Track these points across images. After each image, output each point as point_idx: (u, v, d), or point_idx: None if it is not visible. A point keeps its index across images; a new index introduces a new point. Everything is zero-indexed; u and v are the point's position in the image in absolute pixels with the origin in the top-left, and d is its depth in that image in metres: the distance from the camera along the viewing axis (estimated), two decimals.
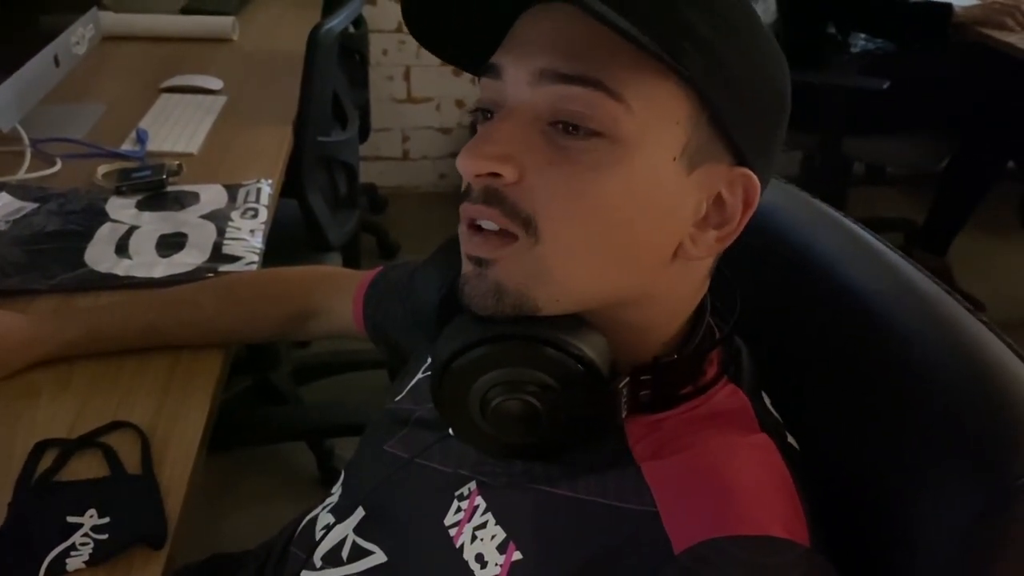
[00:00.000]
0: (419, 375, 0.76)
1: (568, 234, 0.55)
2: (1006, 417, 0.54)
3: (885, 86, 2.21)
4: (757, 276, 0.63)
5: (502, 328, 0.57)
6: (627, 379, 0.58)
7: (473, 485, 0.63)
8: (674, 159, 0.55)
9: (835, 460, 0.63)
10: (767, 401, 0.64)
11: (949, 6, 2.33)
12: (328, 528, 0.71)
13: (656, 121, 0.54)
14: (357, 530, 0.69)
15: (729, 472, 0.56)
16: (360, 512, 0.69)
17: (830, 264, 0.69)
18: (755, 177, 0.58)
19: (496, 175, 0.55)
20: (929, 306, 0.63)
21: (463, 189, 0.58)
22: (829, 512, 0.59)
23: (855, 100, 2.31)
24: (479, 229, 0.57)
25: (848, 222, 0.74)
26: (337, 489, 0.75)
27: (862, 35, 2.50)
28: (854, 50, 2.48)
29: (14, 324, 0.93)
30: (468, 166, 0.55)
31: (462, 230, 0.58)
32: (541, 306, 0.56)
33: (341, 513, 0.71)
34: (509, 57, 0.56)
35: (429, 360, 0.76)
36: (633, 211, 0.55)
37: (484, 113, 0.59)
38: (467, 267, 0.58)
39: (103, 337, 0.94)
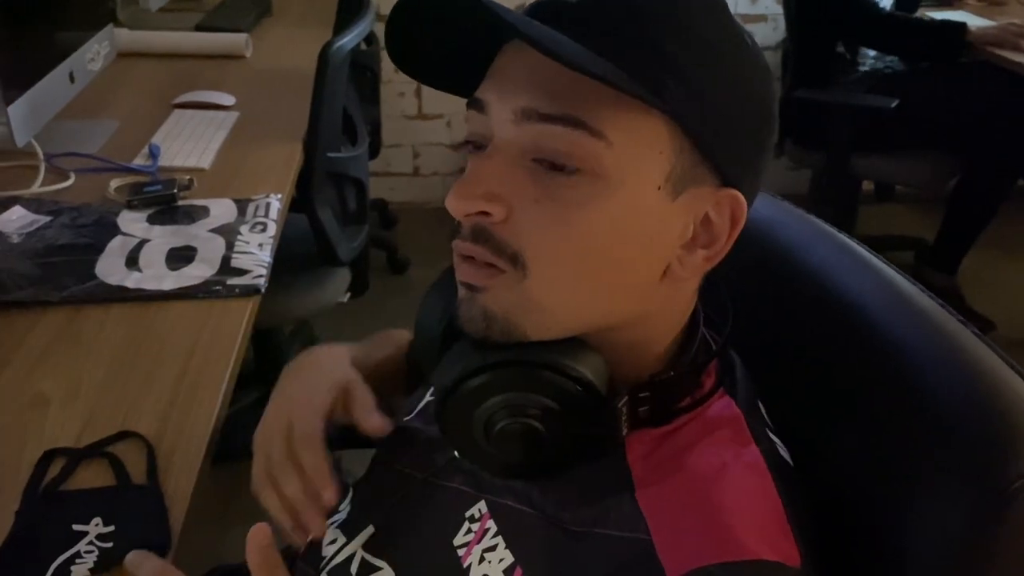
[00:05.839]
0: (428, 396, 0.77)
1: (555, 269, 0.56)
2: (997, 424, 0.54)
3: (893, 105, 2.22)
4: (751, 289, 0.64)
5: (502, 354, 0.58)
6: (626, 398, 0.59)
7: (484, 507, 0.64)
8: (658, 188, 0.56)
9: (829, 471, 0.64)
10: (763, 412, 0.65)
11: (963, 24, 2.34)
12: (337, 544, 0.72)
13: (638, 153, 0.55)
14: (366, 547, 0.69)
15: (719, 498, 0.56)
16: (370, 529, 0.70)
17: (823, 276, 0.70)
18: (741, 196, 0.59)
19: (484, 214, 0.56)
20: (921, 317, 0.63)
21: (453, 227, 0.59)
22: (822, 523, 0.59)
23: (863, 119, 2.32)
24: (470, 258, 0.58)
25: (841, 235, 0.75)
26: (345, 506, 0.76)
27: (871, 54, 2.51)
28: (862, 68, 2.49)
29: None
30: (457, 206, 0.56)
31: (456, 260, 0.59)
32: (530, 334, 0.58)
33: (350, 530, 0.72)
34: (493, 94, 0.57)
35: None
36: (618, 242, 0.56)
37: (473, 146, 0.60)
38: (461, 291, 0.59)
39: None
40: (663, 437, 0.61)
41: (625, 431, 0.60)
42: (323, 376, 0.76)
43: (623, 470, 0.60)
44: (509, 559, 0.60)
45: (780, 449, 0.62)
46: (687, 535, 0.55)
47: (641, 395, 0.59)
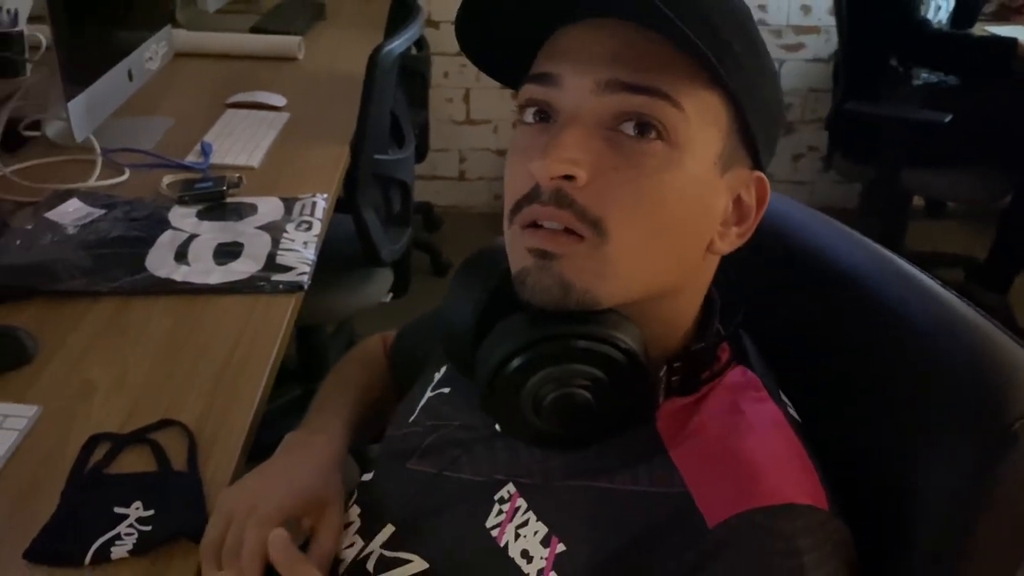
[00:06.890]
0: (428, 394, 0.79)
1: (632, 234, 0.58)
2: (994, 375, 0.58)
3: (947, 120, 2.19)
4: (750, 269, 0.68)
5: (549, 328, 0.59)
6: (665, 367, 0.62)
7: (512, 488, 0.66)
8: (713, 164, 0.60)
9: (835, 432, 0.67)
10: (774, 378, 0.68)
11: (1014, 40, 2.30)
12: (355, 548, 0.72)
13: (704, 127, 0.59)
14: (386, 546, 0.70)
15: (750, 448, 0.60)
16: (389, 528, 0.71)
17: (818, 251, 0.75)
18: (767, 180, 0.64)
19: (569, 177, 0.57)
20: (915, 285, 0.68)
21: (523, 194, 0.60)
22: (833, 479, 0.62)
23: (916, 133, 2.29)
24: (540, 226, 0.59)
25: (833, 221, 0.79)
26: (354, 510, 0.76)
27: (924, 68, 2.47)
28: (916, 83, 2.45)
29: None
30: (545, 168, 0.57)
31: (516, 231, 0.61)
32: (602, 301, 0.59)
33: (367, 533, 0.72)
34: (568, 67, 0.59)
35: (437, 378, 0.79)
36: (685, 210, 0.60)
37: (537, 113, 0.61)
38: (527, 260, 0.60)
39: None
40: (689, 404, 0.64)
41: (662, 399, 0.63)
42: (304, 478, 0.76)
43: (654, 436, 0.63)
44: (543, 530, 0.62)
45: (790, 408, 0.66)
46: (723, 485, 0.58)
47: (675, 365, 0.63)
